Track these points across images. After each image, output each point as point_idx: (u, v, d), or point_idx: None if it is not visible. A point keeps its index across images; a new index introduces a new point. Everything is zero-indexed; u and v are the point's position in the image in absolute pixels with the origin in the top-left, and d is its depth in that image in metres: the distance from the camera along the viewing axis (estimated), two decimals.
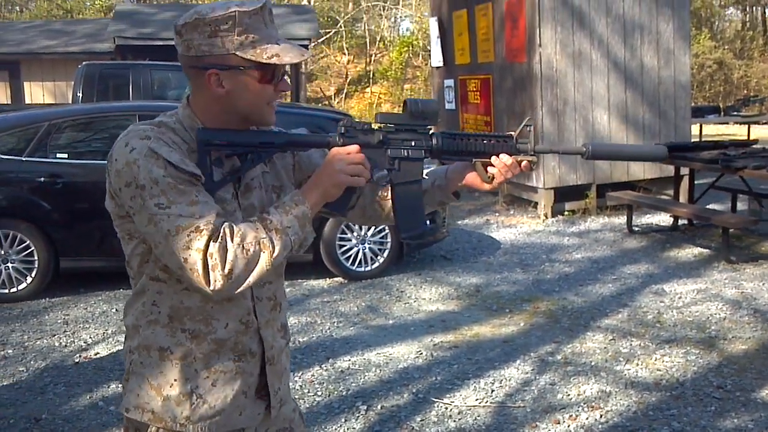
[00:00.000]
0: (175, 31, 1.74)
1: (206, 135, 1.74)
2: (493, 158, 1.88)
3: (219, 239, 1.63)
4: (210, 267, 1.62)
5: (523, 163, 1.90)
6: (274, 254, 1.67)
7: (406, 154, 1.85)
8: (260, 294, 1.88)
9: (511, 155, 1.89)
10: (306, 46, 19.15)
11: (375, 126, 1.86)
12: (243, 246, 1.64)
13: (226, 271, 1.62)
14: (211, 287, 1.63)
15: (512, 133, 1.91)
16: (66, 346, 5.33)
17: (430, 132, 1.87)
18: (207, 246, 1.62)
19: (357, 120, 1.87)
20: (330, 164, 1.77)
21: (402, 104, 1.85)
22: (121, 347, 5.09)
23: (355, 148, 1.78)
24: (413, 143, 1.85)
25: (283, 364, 1.96)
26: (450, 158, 1.91)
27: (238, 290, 1.67)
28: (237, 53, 1.71)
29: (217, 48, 1.70)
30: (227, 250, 1.63)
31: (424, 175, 1.93)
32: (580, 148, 1.95)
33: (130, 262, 1.83)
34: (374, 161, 1.81)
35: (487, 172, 1.90)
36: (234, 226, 1.66)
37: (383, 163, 1.83)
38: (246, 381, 1.87)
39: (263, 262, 1.66)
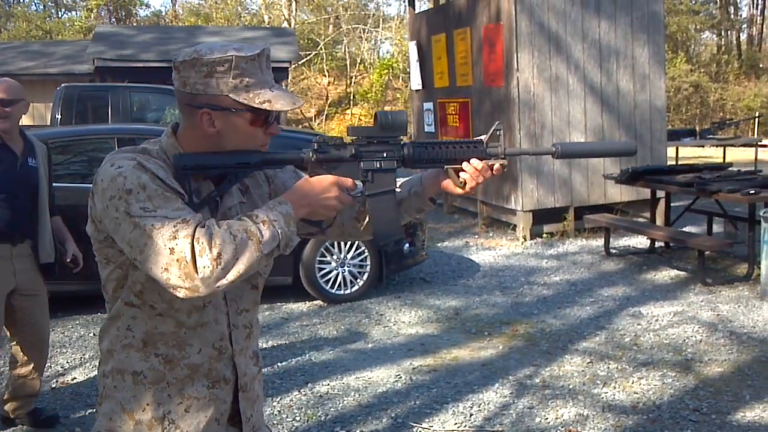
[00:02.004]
0: (173, 66, 1.77)
1: (182, 160, 1.76)
2: (464, 164, 1.91)
3: (206, 227, 1.62)
4: (197, 252, 1.58)
5: (495, 167, 1.93)
6: (263, 240, 1.64)
7: (378, 165, 1.87)
8: (237, 321, 1.91)
9: (481, 160, 1.92)
10: (286, 69, 19.24)
11: (347, 140, 1.89)
12: (230, 231, 1.62)
13: (215, 254, 1.58)
14: (200, 274, 1.57)
15: (482, 138, 1.95)
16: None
17: (402, 142, 1.90)
18: (194, 232, 1.59)
19: (330, 136, 1.90)
20: (323, 189, 1.78)
21: (373, 117, 1.88)
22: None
23: (349, 182, 1.81)
24: (385, 154, 1.88)
25: (255, 392, 1.99)
26: (422, 166, 1.94)
27: (226, 281, 1.61)
28: (230, 95, 1.74)
29: (211, 88, 1.73)
30: (213, 235, 1.60)
31: (398, 185, 1.96)
32: (549, 149, 1.99)
33: (105, 287, 1.85)
34: (349, 174, 1.84)
35: (459, 177, 1.93)
36: (219, 221, 1.67)
37: (357, 176, 1.86)
38: (219, 408, 1.90)
39: (252, 248, 1.63)
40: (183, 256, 1.58)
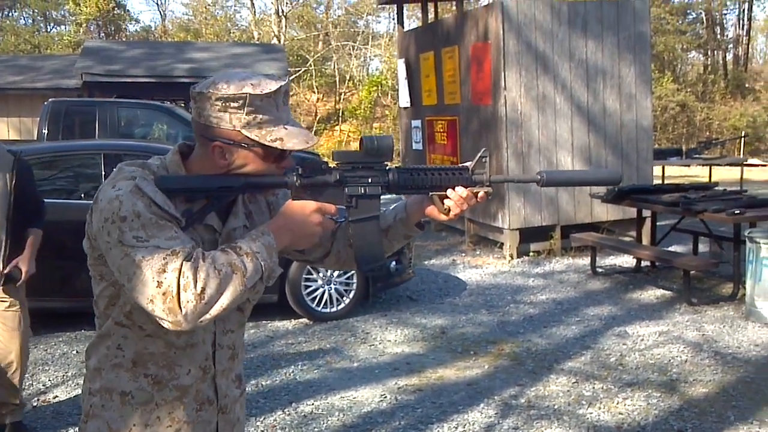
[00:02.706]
0: (191, 96, 1.78)
1: (165, 183, 1.75)
2: (449, 191, 1.91)
3: (192, 260, 1.62)
4: (182, 286, 1.59)
5: (480, 194, 1.93)
6: (246, 275, 1.65)
7: (363, 191, 1.86)
8: (222, 341, 1.91)
9: (466, 187, 1.91)
10: None
11: (332, 165, 1.88)
12: (215, 266, 1.62)
13: (199, 289, 1.59)
14: (183, 310, 1.58)
15: (468, 164, 1.94)
16: (24, 389, 5.23)
17: (387, 168, 1.89)
18: (181, 266, 1.60)
19: (316, 159, 1.89)
20: (305, 216, 1.77)
21: (358, 141, 1.88)
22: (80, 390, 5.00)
23: (332, 208, 1.81)
24: (370, 180, 1.87)
25: (236, 414, 1.99)
26: (407, 192, 1.93)
27: (210, 315, 1.62)
28: (242, 131, 1.74)
29: (224, 122, 1.74)
30: (198, 269, 1.60)
31: (381, 210, 1.95)
32: (535, 177, 1.98)
33: (97, 302, 1.85)
34: (333, 200, 1.83)
35: (443, 204, 1.92)
36: (205, 252, 1.67)
37: (341, 201, 1.85)
38: (205, 429, 1.90)
39: (236, 283, 1.63)
40: (169, 290, 1.59)
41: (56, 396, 5.08)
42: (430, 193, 1.93)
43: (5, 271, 4.14)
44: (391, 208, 2.05)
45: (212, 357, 1.89)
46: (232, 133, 1.74)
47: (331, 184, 1.85)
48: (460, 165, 1.95)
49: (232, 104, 1.72)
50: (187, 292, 1.58)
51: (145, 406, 1.82)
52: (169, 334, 1.80)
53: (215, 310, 1.62)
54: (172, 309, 1.59)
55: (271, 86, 1.75)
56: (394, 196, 1.97)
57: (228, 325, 1.92)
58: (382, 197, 1.89)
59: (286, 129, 1.76)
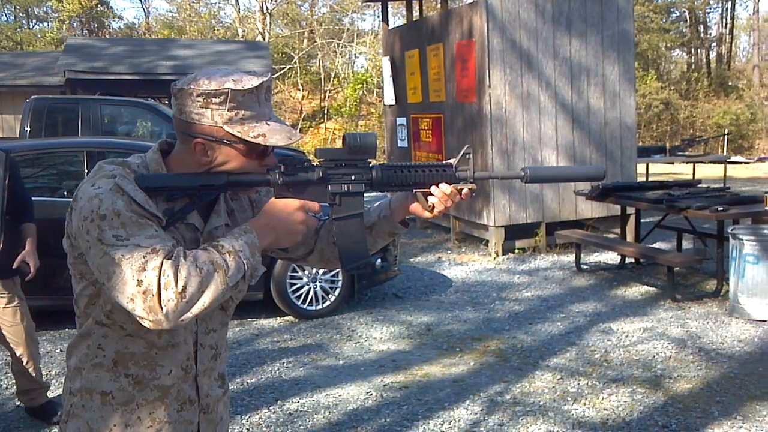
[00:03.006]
0: (172, 92, 1.76)
1: (145, 181, 1.73)
2: (433, 188, 1.90)
3: (173, 258, 1.60)
4: (162, 285, 1.56)
5: (464, 191, 1.91)
6: (228, 273, 1.62)
7: (346, 188, 1.85)
8: (204, 341, 1.89)
9: (450, 184, 1.90)
10: None
11: (315, 162, 1.87)
12: (197, 264, 1.60)
13: (180, 287, 1.56)
14: (164, 308, 1.56)
15: (452, 161, 1.93)
16: (6, 388, 5.20)
17: (370, 165, 1.87)
18: (162, 264, 1.58)
19: (299, 157, 1.88)
20: (288, 214, 1.75)
21: (341, 139, 1.87)
22: None
23: (315, 206, 1.79)
24: (353, 177, 1.85)
25: (219, 414, 1.97)
26: (391, 190, 1.91)
27: (191, 314, 1.59)
28: (224, 127, 1.72)
29: (206, 119, 1.72)
30: (179, 267, 1.58)
31: (365, 208, 1.93)
32: (518, 173, 1.98)
33: (77, 301, 1.83)
34: (316, 197, 1.82)
35: (427, 201, 1.91)
36: (186, 251, 1.64)
37: (324, 199, 1.84)
38: (186, 429, 1.88)
39: (218, 281, 1.61)
40: (149, 289, 1.56)
41: None
42: (414, 191, 1.92)
43: (14, 267, 4.36)
44: (375, 205, 2.04)
45: (194, 357, 1.87)
46: (213, 129, 1.73)
47: (314, 182, 1.82)
48: (444, 162, 1.94)
49: (214, 100, 1.70)
50: (167, 290, 1.56)
51: (125, 406, 1.80)
52: (149, 334, 1.78)
53: (196, 309, 1.59)
54: (152, 308, 1.56)
55: (253, 82, 1.73)
56: (379, 194, 1.97)
57: (210, 325, 1.90)
58: (366, 195, 1.88)
59: (268, 125, 1.75)
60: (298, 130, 1.84)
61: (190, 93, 1.72)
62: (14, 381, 4.75)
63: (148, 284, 1.56)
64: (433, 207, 1.91)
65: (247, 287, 1.72)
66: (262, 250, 1.73)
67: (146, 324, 1.59)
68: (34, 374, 4.61)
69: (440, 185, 1.90)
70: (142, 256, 1.58)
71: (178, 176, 1.78)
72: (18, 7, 35.01)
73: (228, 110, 1.71)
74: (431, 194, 1.90)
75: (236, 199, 1.97)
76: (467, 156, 1.92)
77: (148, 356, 1.80)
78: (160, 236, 1.64)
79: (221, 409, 1.98)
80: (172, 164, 1.81)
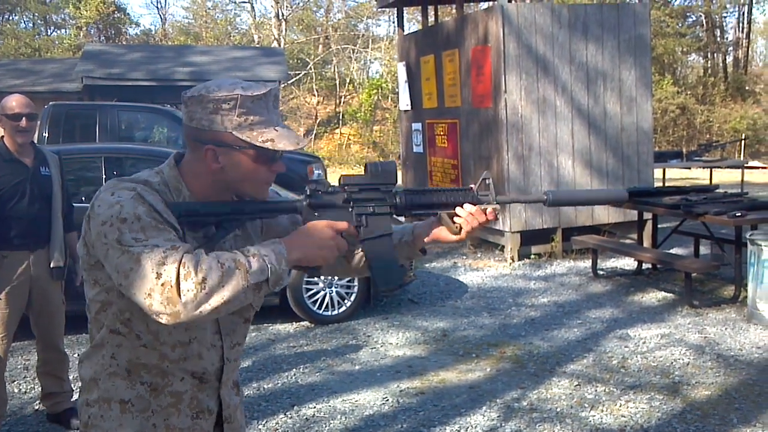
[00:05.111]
0: (182, 101, 1.79)
1: (177, 208, 1.75)
2: (458, 209, 1.92)
3: (194, 254, 1.61)
4: (182, 276, 1.56)
5: (488, 211, 1.93)
6: (250, 270, 1.62)
7: (371, 210, 1.87)
8: (230, 355, 1.94)
9: (474, 205, 1.92)
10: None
11: (338, 187, 1.89)
12: (218, 260, 1.61)
13: (200, 278, 1.56)
14: (183, 298, 1.55)
15: (472, 186, 1.96)
16: (25, 392, 5.23)
17: (394, 190, 1.90)
18: (182, 257, 1.59)
19: (323, 182, 1.90)
20: (318, 231, 1.77)
21: (363, 167, 1.89)
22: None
23: (344, 224, 1.81)
24: (377, 200, 1.88)
25: (239, 421, 2.00)
26: (416, 213, 1.93)
27: (209, 306, 1.58)
28: (234, 132, 1.75)
29: (216, 125, 1.75)
30: (201, 261, 1.59)
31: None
32: (541, 196, 2.00)
33: (89, 307, 1.85)
34: (341, 219, 1.84)
35: (454, 222, 1.93)
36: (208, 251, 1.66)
37: (351, 221, 1.85)
38: None
39: (239, 277, 1.60)
40: (168, 280, 1.56)
41: None
42: (440, 213, 1.94)
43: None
44: (396, 230, 2.05)
45: (220, 371, 1.90)
46: (223, 135, 1.75)
47: (339, 205, 1.86)
48: (464, 186, 1.97)
49: (224, 106, 1.73)
50: (187, 281, 1.56)
51: (143, 414, 1.82)
52: (164, 347, 1.80)
53: (215, 301, 1.58)
54: (170, 299, 1.56)
55: (261, 89, 1.77)
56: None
57: (235, 339, 1.94)
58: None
59: (276, 131, 1.77)
60: (313, 136, 1.85)
61: (200, 100, 1.75)
62: (39, 385, 4.80)
63: (168, 276, 1.57)
64: (460, 228, 1.93)
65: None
66: (291, 263, 1.73)
67: (163, 319, 1.58)
68: (64, 376, 4.69)
69: (465, 205, 1.92)
70: (162, 251, 1.59)
71: (208, 204, 1.81)
72: (36, 14, 35.31)
73: (237, 116, 1.74)
74: (457, 215, 1.92)
75: None
76: (487, 181, 1.95)
77: (159, 367, 1.82)
78: (179, 240, 1.67)
79: (239, 416, 2.01)
80: (185, 175, 1.83)
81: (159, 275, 1.57)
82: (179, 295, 1.56)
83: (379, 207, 1.88)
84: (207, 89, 1.76)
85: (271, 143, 1.75)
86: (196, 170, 1.82)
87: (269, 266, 1.66)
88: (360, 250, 1.94)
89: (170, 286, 1.56)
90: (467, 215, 1.91)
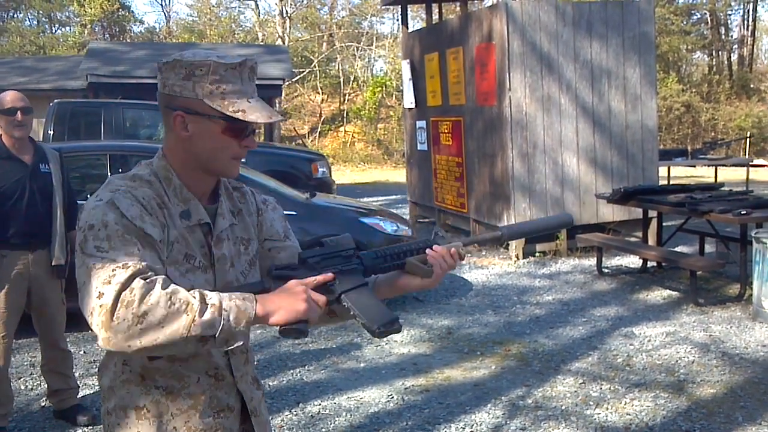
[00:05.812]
0: (157, 68, 1.79)
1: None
2: (428, 250, 1.92)
3: (148, 279, 1.56)
4: (122, 301, 1.51)
5: (452, 251, 1.95)
6: (196, 321, 1.54)
7: (339, 269, 1.83)
8: (234, 348, 1.88)
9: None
10: (279, 86, 19.26)
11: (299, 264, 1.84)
12: (171, 298, 1.54)
13: (141, 311, 1.51)
14: (114, 326, 1.50)
15: (427, 240, 1.99)
16: (32, 389, 5.25)
17: (355, 253, 1.87)
18: (129, 280, 1.53)
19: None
20: (290, 289, 1.70)
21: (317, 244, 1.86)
22: (89, 390, 5.02)
23: (312, 279, 1.75)
24: (343, 260, 1.84)
25: (264, 415, 1.98)
26: (385, 269, 1.92)
27: (139, 344, 1.53)
28: (204, 100, 1.73)
29: (187, 91, 1.74)
30: (151, 292, 1.53)
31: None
32: (495, 234, 2.05)
33: None
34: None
35: (424, 265, 1.91)
36: (171, 282, 1.60)
37: (321, 291, 1.78)
38: None
39: (181, 324, 1.54)
40: (106, 303, 1.52)
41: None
42: (407, 260, 1.91)
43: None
44: None
45: (228, 365, 1.87)
46: (194, 102, 1.73)
47: (306, 267, 1.80)
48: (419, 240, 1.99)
49: (197, 71, 1.72)
50: (127, 309, 1.51)
51: (160, 418, 1.79)
52: None
53: (147, 341, 1.53)
54: (104, 323, 1.51)
55: (237, 59, 1.75)
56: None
57: None
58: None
59: (249, 102, 1.75)
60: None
61: (174, 65, 1.74)
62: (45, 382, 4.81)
63: (107, 298, 1.52)
64: (431, 268, 1.90)
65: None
66: (260, 319, 1.65)
67: (99, 342, 1.56)
68: (69, 373, 4.71)
69: (434, 246, 1.93)
70: (111, 270, 1.55)
71: None
72: (41, 12, 35.36)
73: (210, 83, 1.72)
74: (429, 257, 1.91)
75: (244, 202, 1.97)
76: (440, 234, 2.00)
77: (171, 369, 1.80)
78: (140, 256, 1.61)
79: (263, 410, 1.99)
80: (166, 151, 1.82)
81: (100, 295, 1.53)
82: (111, 320, 1.52)
83: (346, 266, 1.84)
84: (182, 56, 1.75)
85: (242, 113, 1.72)
86: (171, 144, 1.80)
87: (223, 323, 1.58)
88: (342, 303, 1.85)
89: (106, 309, 1.52)
90: (437, 255, 1.90)
